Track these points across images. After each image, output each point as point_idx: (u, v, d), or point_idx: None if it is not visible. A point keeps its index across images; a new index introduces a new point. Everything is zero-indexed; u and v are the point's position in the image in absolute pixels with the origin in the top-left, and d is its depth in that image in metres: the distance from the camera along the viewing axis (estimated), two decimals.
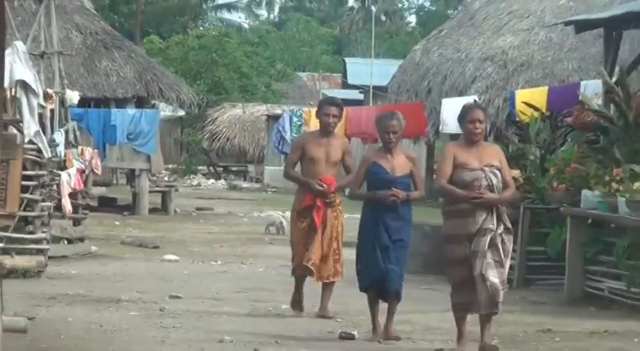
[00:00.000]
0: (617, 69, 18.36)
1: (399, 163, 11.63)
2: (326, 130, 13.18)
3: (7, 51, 14.56)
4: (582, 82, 21.68)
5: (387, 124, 11.63)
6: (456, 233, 10.97)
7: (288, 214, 28.74)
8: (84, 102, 28.91)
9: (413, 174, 11.75)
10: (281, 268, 19.31)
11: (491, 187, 10.90)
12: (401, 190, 11.49)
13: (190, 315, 13.80)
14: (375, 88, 47.55)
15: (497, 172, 10.99)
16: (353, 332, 12.41)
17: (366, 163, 11.77)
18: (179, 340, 11.96)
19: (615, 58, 18.98)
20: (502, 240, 10.92)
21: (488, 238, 10.81)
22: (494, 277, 10.75)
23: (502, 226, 10.95)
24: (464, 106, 11.62)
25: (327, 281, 13.29)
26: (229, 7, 79.90)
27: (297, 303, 13.68)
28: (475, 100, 24.84)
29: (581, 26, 21.25)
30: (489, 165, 10.97)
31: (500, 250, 10.89)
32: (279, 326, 13.10)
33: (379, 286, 11.80)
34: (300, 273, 13.46)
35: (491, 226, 10.84)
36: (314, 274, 13.16)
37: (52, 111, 22.07)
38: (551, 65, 28.97)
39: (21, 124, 17.15)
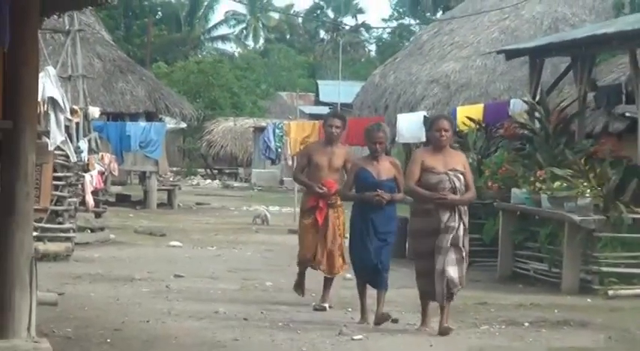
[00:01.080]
0: (539, 90, 18.43)
1: (384, 169, 11.02)
2: (330, 140, 12.29)
3: (41, 74, 14.49)
4: (511, 101, 21.67)
5: (373, 136, 11.01)
6: (422, 229, 10.44)
7: (271, 208, 28.86)
8: (104, 116, 28.89)
9: (396, 178, 11.03)
10: (265, 252, 19.33)
11: (454, 190, 10.37)
12: (386, 192, 10.90)
13: (191, 291, 13.80)
14: (342, 105, 47.43)
15: (461, 175, 10.43)
16: (325, 305, 12.39)
17: (355, 169, 11.23)
18: (182, 311, 11.93)
19: (538, 80, 19.05)
20: (462, 241, 10.41)
21: (451, 236, 10.31)
22: (453, 272, 10.32)
23: (462, 226, 10.42)
24: (432, 117, 11.27)
25: (329, 276, 12.39)
26: (223, 38, 79.93)
27: (299, 286, 12.78)
28: (424, 115, 24.93)
29: (511, 54, 21.33)
30: (454, 169, 10.42)
31: (462, 248, 10.40)
32: (264, 299, 13.10)
33: (369, 276, 11.24)
34: (303, 265, 12.62)
35: (454, 224, 10.32)
36: (323, 269, 12.34)
37: (77, 124, 22.04)
38: (486, 86, 28.92)
39: (51, 134, 17.12)
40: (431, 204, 10.34)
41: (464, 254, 10.44)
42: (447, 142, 10.59)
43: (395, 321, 11.22)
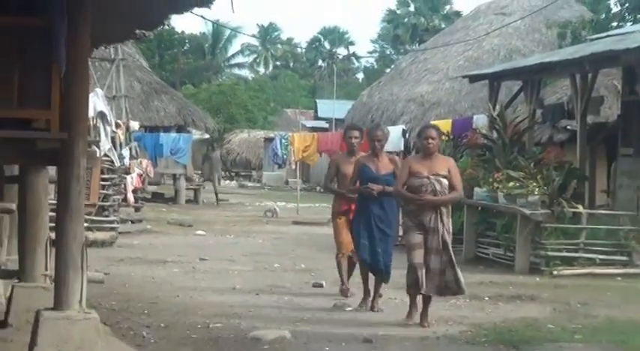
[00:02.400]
0: (497, 107, 18.44)
1: (383, 165, 10.25)
2: (351, 150, 11.16)
3: (91, 94, 14.50)
4: (474, 116, 21.74)
5: (373, 134, 10.29)
6: (412, 225, 9.47)
7: (278, 203, 28.80)
8: (142, 128, 28.91)
9: (395, 173, 10.10)
10: (274, 239, 19.31)
11: (435, 192, 9.36)
12: (383, 185, 10.11)
13: (213, 271, 13.79)
14: (336, 119, 47.49)
15: (443, 179, 9.42)
16: (322, 282, 12.39)
17: (357, 165, 10.41)
18: (206, 288, 11.93)
19: (496, 100, 19.09)
20: (446, 241, 9.41)
21: (440, 237, 9.37)
22: (450, 275, 9.41)
23: (443, 226, 9.41)
24: (421, 127, 10.24)
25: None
26: (239, 65, 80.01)
27: (342, 282, 11.37)
28: (403, 128, 24.95)
29: (473, 78, 21.38)
30: (436, 174, 9.41)
31: (450, 249, 9.43)
32: (273, 279, 13.08)
33: (370, 264, 10.43)
34: (342, 257, 11.24)
35: (437, 225, 9.37)
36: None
37: (120, 135, 22.04)
38: (453, 104, 29.00)
39: (99, 143, 17.16)
40: (414, 205, 9.53)
41: (452, 256, 9.47)
42: (435, 149, 9.61)
43: (379, 296, 11.18)
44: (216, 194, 31.19)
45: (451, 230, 9.67)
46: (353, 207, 10.94)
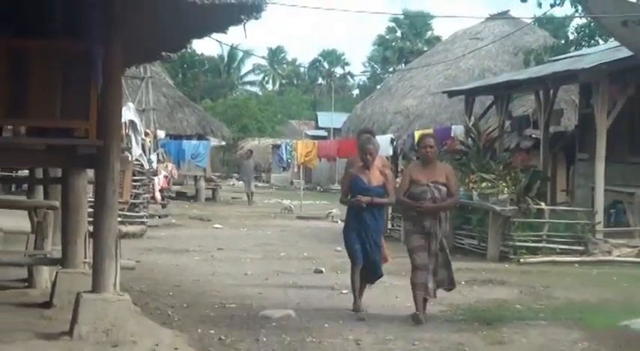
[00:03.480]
0: (472, 118, 18.46)
1: (374, 176, 9.28)
2: None
3: (124, 108, 14.49)
4: (453, 126, 21.73)
5: (365, 148, 9.33)
6: (413, 230, 8.71)
7: (284, 201, 28.73)
8: (167, 137, 28.88)
9: (385, 184, 9.29)
10: (281, 232, 19.29)
11: (434, 199, 8.61)
12: (375, 196, 9.17)
13: (229, 259, 13.79)
14: (334, 129, 47.47)
15: (442, 187, 8.66)
16: (322, 269, 12.37)
17: (349, 176, 9.44)
18: (222, 273, 11.93)
19: (471, 112, 19.11)
20: (443, 244, 8.72)
21: (438, 241, 8.65)
22: (443, 274, 8.72)
23: (440, 230, 8.67)
24: (420, 136, 9.59)
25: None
26: (250, 83, 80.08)
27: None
28: (391, 137, 24.96)
29: (452, 94, 21.39)
30: (435, 181, 8.65)
31: (447, 253, 8.77)
32: (279, 265, 13.08)
33: (364, 267, 9.33)
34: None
35: (436, 230, 8.63)
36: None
37: (149, 142, 22.05)
38: (434, 116, 28.93)
39: (131, 150, 17.16)
40: (414, 211, 8.73)
41: (449, 258, 8.81)
42: (433, 157, 8.83)
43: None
44: (249, 195, 31.25)
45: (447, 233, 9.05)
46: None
